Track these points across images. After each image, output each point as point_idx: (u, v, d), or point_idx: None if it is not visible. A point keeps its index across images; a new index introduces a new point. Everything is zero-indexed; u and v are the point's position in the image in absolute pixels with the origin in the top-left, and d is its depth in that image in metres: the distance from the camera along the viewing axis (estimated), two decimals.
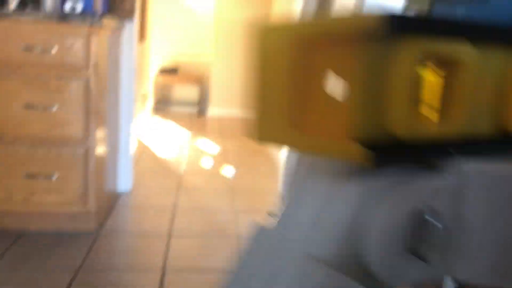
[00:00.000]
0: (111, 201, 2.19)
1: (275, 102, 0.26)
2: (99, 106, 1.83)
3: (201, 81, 4.95)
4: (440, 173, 0.26)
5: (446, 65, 0.25)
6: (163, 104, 5.14)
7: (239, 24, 4.65)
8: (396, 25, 0.23)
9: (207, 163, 3.07)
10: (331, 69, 0.24)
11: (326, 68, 0.24)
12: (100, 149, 1.90)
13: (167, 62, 5.04)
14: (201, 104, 5.10)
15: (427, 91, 0.25)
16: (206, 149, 3.45)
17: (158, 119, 4.62)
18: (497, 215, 0.25)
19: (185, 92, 5.14)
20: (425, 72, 0.25)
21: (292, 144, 0.25)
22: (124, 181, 2.41)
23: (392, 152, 0.25)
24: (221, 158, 3.21)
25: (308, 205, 0.29)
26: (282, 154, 1.91)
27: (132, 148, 2.43)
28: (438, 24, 0.24)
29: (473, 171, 0.25)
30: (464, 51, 0.24)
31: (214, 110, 5.01)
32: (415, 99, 0.26)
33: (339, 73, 0.23)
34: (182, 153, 3.30)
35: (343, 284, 0.26)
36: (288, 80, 0.25)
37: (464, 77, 0.25)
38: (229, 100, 4.98)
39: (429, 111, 0.26)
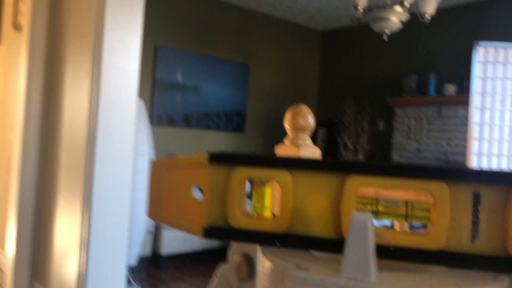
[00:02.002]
0: None
1: (158, 199, 0.42)
2: None
3: None
4: None
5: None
6: None
7: None
8: (214, 159, 0.40)
9: None
10: (194, 182, 0.41)
11: (191, 181, 0.41)
12: None
13: None
14: None
15: (265, 199, 0.42)
16: None
17: None
18: None
19: None
20: (263, 187, 0.42)
21: (165, 222, 0.41)
22: None
23: (224, 233, 0.40)
24: None
25: None
26: None
27: None
28: (258, 158, 0.39)
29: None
30: (279, 175, 0.38)
31: None
32: (243, 203, 0.40)
33: (198, 184, 0.40)
34: None
35: None
36: (163, 188, 0.43)
37: (283, 192, 0.38)
38: None
39: (264, 211, 0.43)
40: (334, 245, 0.37)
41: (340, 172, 0.37)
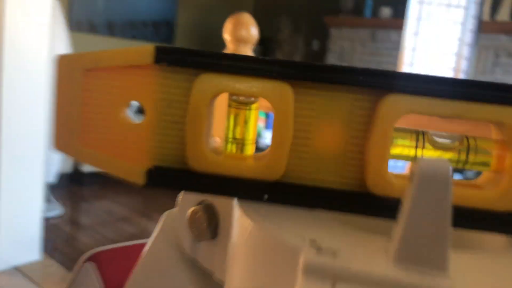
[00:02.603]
0: None
1: (70, 122, 0.25)
2: None
3: None
4: None
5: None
6: None
7: None
8: (164, 58, 0.23)
9: None
10: (131, 95, 0.24)
11: (126, 93, 0.24)
12: None
13: None
14: None
15: (249, 129, 0.25)
16: None
17: None
18: None
19: None
20: (231, 110, 0.25)
21: (83, 159, 0.25)
22: None
23: (180, 181, 0.25)
24: None
25: None
26: None
27: None
28: (240, 60, 0.23)
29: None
30: (273, 90, 0.23)
31: None
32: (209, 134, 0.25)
33: (137, 99, 0.24)
34: None
35: None
36: (78, 104, 0.25)
37: (279, 116, 0.23)
38: None
39: (247, 148, 0.26)
40: (354, 201, 0.24)
41: (372, 88, 0.23)
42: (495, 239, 0.25)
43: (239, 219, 0.23)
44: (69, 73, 0.23)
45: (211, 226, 0.30)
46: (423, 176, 0.18)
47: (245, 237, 0.22)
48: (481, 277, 0.19)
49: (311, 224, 0.22)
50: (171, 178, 0.24)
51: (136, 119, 0.25)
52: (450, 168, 0.18)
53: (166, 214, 0.34)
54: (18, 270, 1.67)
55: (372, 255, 0.19)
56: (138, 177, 0.24)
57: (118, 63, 0.23)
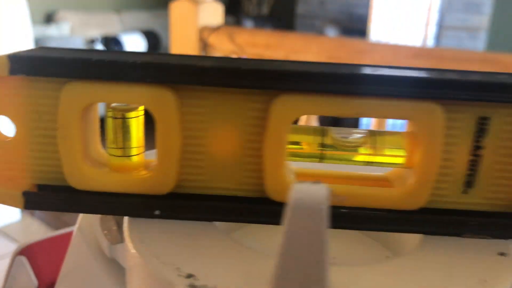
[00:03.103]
0: None
1: None
2: None
3: None
4: None
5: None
6: None
7: None
8: (21, 68, 0.20)
9: None
10: None
11: None
12: None
13: None
14: None
15: (131, 139, 0.22)
16: None
17: None
18: None
19: None
20: (108, 119, 0.22)
21: None
22: None
23: (62, 201, 0.22)
24: None
25: None
26: None
27: None
28: (110, 65, 0.20)
29: None
30: (152, 97, 0.20)
31: None
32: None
33: (3, 112, 0.21)
34: None
35: None
36: None
37: (162, 124, 0.21)
38: None
39: (132, 159, 0.23)
40: (253, 209, 0.22)
41: (262, 89, 0.21)
42: (409, 238, 0.23)
43: (128, 248, 0.21)
44: None
45: (122, 229, 0.28)
46: (295, 205, 0.16)
47: (128, 260, 0.21)
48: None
49: (196, 249, 0.20)
50: (51, 199, 0.22)
51: (9, 133, 0.22)
52: (326, 195, 0.16)
53: (82, 216, 0.32)
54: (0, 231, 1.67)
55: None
56: (16, 200, 0.22)
57: None
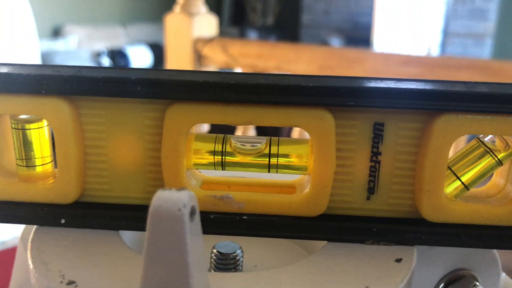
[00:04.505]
0: None
1: None
2: None
3: None
4: None
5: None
6: None
7: None
8: None
9: None
10: None
11: None
12: None
13: None
14: None
15: (32, 149, 0.23)
16: None
17: None
18: None
19: None
20: (12, 130, 0.23)
21: None
22: None
23: None
24: None
25: None
26: None
27: None
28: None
29: None
30: (46, 108, 0.21)
31: None
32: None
33: None
34: None
35: None
36: None
37: (57, 135, 0.22)
38: None
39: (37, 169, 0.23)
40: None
41: (160, 98, 0.21)
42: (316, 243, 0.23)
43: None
44: None
45: None
46: (155, 212, 0.16)
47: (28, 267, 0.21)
48: None
49: (88, 256, 0.21)
50: None
51: None
52: (187, 201, 0.16)
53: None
54: None
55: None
56: None
57: None
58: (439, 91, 0.20)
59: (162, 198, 0.16)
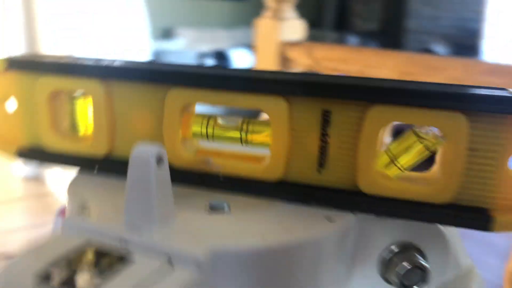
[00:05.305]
0: None
1: None
2: None
3: None
4: None
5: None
6: None
7: None
8: (13, 65, 0.31)
9: None
10: (7, 93, 0.33)
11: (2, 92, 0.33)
12: None
13: None
14: None
15: (77, 116, 0.33)
16: None
17: None
18: None
19: None
20: (72, 101, 0.32)
21: None
22: None
23: (38, 156, 0.33)
24: None
25: None
26: None
27: None
28: (66, 65, 0.31)
29: None
30: (88, 86, 0.30)
31: None
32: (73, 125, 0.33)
33: (13, 94, 0.33)
34: None
35: None
36: None
37: (94, 106, 0.31)
38: None
39: (83, 130, 0.34)
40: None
41: (163, 84, 0.29)
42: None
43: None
44: None
45: None
46: (133, 158, 0.24)
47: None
48: (199, 226, 0.25)
49: (114, 191, 0.29)
50: (32, 154, 0.32)
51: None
52: (156, 152, 0.23)
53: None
54: None
55: (116, 214, 0.26)
56: (11, 153, 0.33)
57: None
58: (372, 86, 0.25)
59: (139, 150, 0.24)
